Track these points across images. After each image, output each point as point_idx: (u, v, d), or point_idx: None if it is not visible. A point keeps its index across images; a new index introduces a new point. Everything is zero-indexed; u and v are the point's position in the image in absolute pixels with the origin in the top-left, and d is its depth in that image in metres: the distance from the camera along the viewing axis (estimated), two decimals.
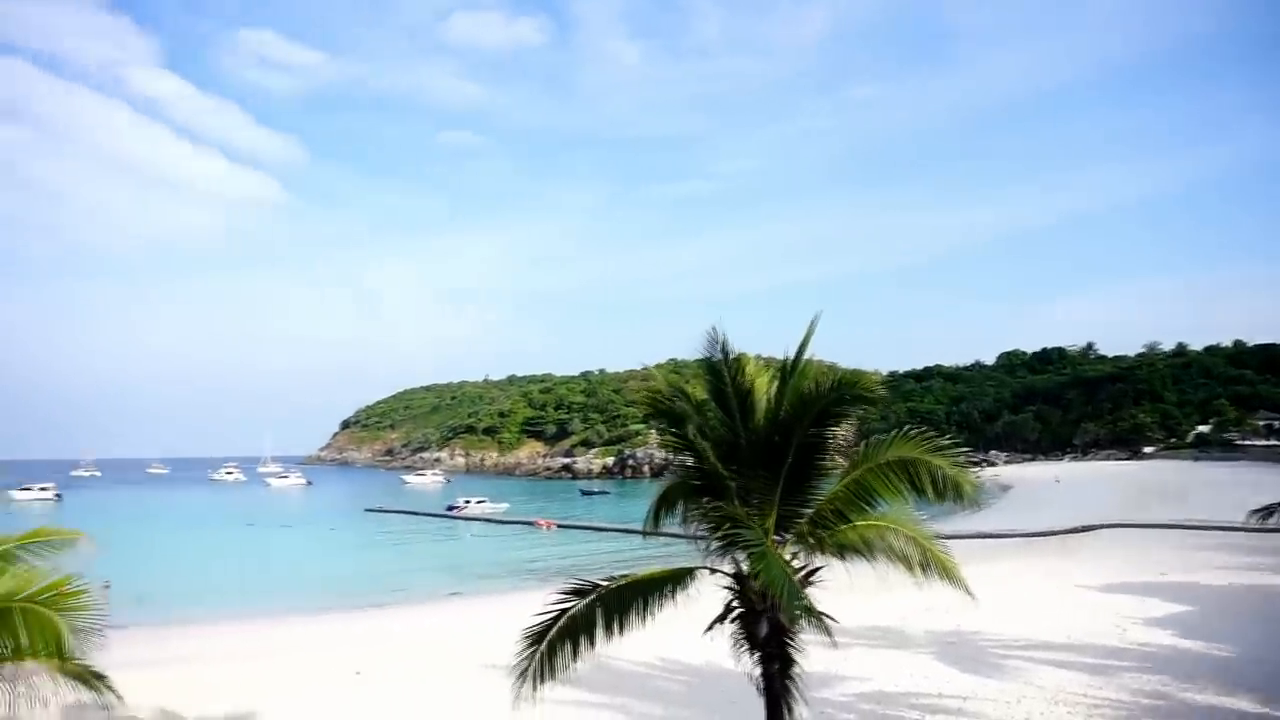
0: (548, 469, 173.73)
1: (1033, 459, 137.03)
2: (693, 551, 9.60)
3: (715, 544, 9.24)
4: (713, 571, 9.59)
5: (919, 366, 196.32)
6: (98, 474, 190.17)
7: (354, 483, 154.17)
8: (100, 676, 8.72)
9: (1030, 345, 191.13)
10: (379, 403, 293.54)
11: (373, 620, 30.25)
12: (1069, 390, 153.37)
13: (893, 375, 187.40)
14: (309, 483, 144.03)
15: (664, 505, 10.22)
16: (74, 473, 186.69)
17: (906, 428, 9.67)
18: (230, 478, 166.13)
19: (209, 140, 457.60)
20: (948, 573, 9.28)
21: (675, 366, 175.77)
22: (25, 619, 8.14)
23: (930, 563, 9.30)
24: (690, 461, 9.78)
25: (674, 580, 9.46)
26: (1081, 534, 47.71)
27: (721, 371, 9.60)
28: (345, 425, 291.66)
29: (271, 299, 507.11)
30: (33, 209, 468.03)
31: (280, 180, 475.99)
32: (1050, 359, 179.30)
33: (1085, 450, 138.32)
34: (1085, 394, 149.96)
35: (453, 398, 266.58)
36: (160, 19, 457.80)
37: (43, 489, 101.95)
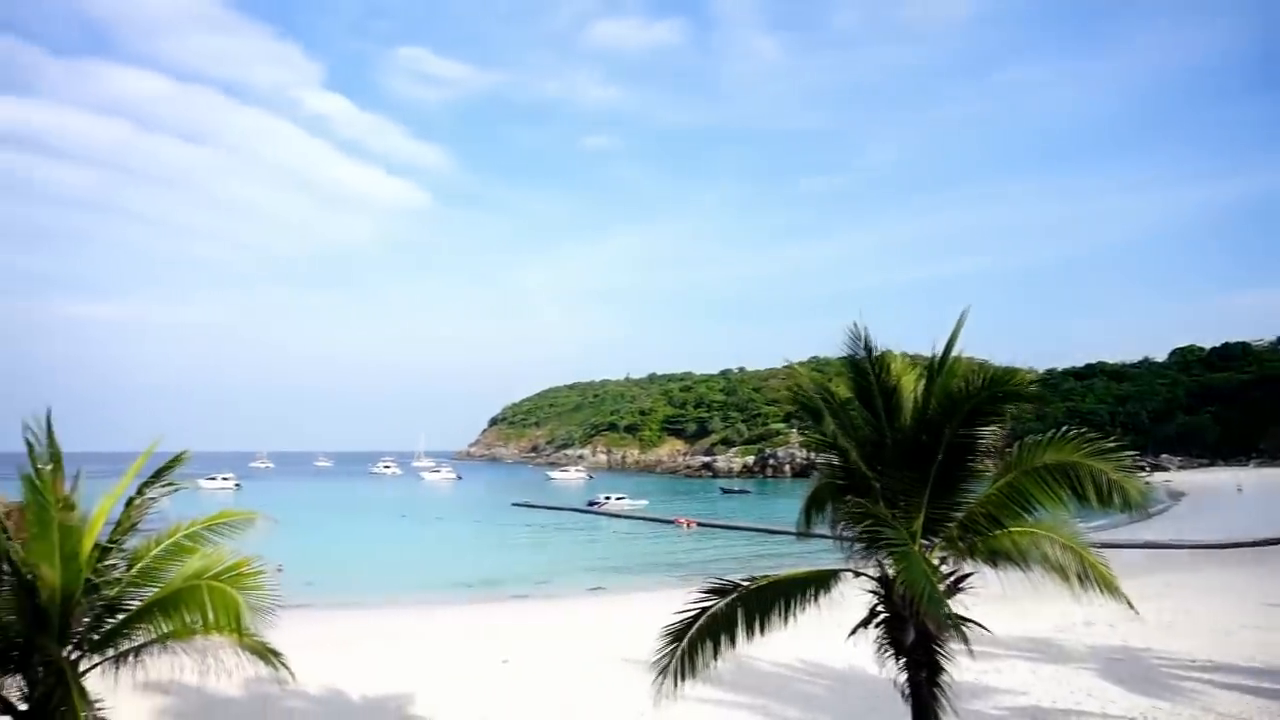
0: (688, 467, 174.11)
1: (1210, 464, 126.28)
2: (836, 554, 9.41)
3: (859, 545, 9.05)
4: (857, 574, 9.40)
5: (1080, 364, 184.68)
6: (271, 466, 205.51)
7: (501, 478, 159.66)
8: (275, 653, 9.40)
9: (1207, 340, 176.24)
10: (524, 401, 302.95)
11: (518, 611, 31.26)
12: (1254, 389, 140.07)
13: (1050, 373, 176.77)
14: (459, 477, 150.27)
15: (814, 505, 10.08)
16: (251, 464, 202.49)
17: (1065, 429, 9.10)
18: (388, 471, 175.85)
19: (368, 154, 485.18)
20: (1107, 585, 8.67)
21: (817, 364, 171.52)
22: (211, 596, 8.87)
23: (1088, 574, 8.72)
24: (834, 461, 9.61)
25: (817, 582, 9.30)
26: (1272, 547, 43.56)
27: (865, 369, 9.36)
28: (493, 422, 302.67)
29: (424, 302, 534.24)
30: (223, 222, 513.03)
31: (430, 189, 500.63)
32: (1232, 355, 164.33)
33: (1275, 455, 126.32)
34: (1273, 393, 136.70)
35: (595, 396, 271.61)
36: (326, 43, 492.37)
37: (225, 478, 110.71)
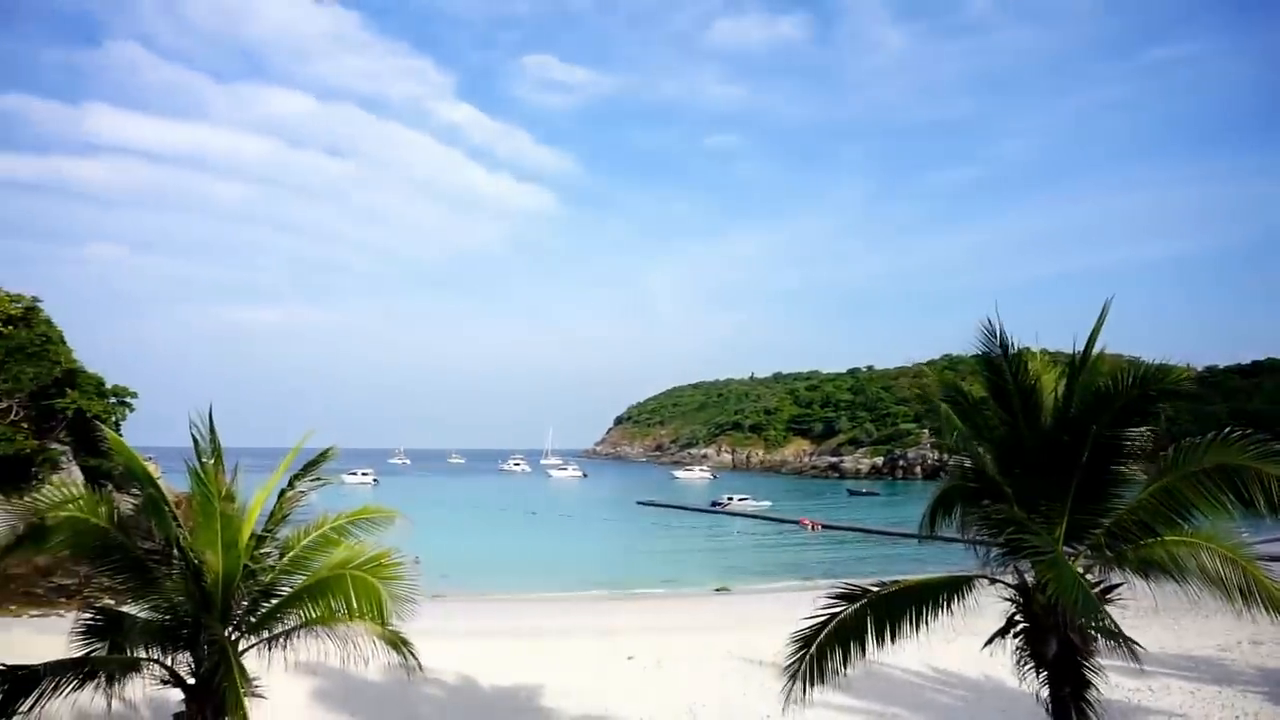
0: (814, 468, 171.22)
1: None
2: (970, 559, 9.09)
3: (996, 551, 8.70)
4: (992, 581, 9.06)
5: (1246, 361, 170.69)
6: (408, 462, 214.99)
7: (626, 476, 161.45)
8: (406, 643, 9.84)
9: None
10: (650, 400, 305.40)
11: (643, 609, 31.57)
12: None
13: (1210, 370, 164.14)
14: (585, 475, 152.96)
15: (941, 508, 9.77)
16: (390, 460, 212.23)
17: (1228, 430, 8.45)
18: (517, 469, 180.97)
19: (498, 160, 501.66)
20: (1274, 603, 7.93)
21: (949, 362, 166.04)
22: (355, 585, 9.37)
23: (1253, 589, 8.00)
24: (967, 463, 9.28)
25: (950, 588, 9.00)
26: None
27: (1000, 367, 8.98)
28: (619, 421, 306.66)
29: (552, 302, 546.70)
30: (366, 230, 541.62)
31: (556, 192, 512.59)
32: None
33: None
34: None
35: (720, 395, 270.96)
36: (456, 56, 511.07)
37: (365, 474, 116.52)
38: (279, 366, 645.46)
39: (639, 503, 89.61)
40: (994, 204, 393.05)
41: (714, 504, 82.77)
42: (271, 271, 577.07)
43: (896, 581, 9.35)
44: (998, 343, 8.99)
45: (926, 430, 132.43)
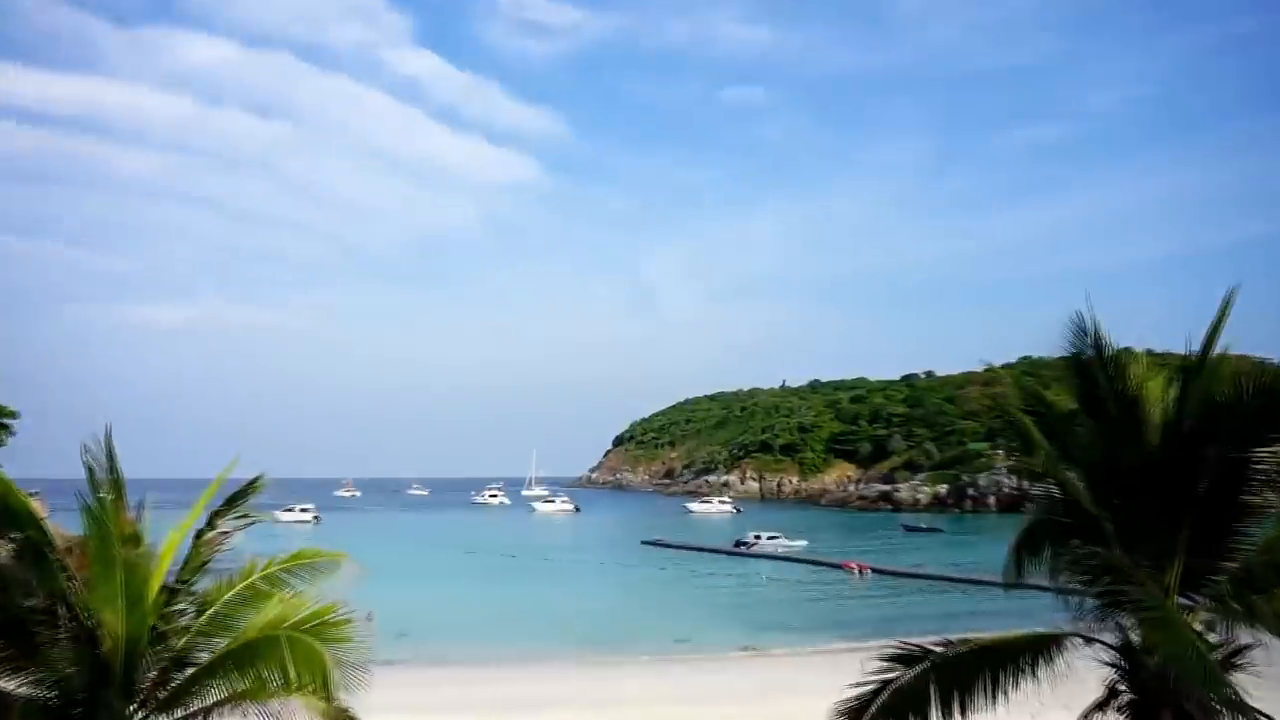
0: (861, 498, 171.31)
1: None
2: (1061, 612, 9.00)
3: (1093, 603, 8.63)
4: (1088, 640, 9.00)
5: None
6: (357, 494, 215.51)
7: (628, 509, 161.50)
8: None
9: None
10: (656, 416, 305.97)
11: (651, 676, 31.45)
12: None
13: None
14: (577, 509, 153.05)
15: (1028, 549, 9.72)
16: (336, 493, 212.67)
17: None
18: (494, 501, 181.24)
19: (467, 121, 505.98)
20: None
21: (1029, 366, 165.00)
22: (293, 649, 9.24)
23: None
24: (1053, 492, 9.21)
25: (1035, 649, 8.96)
26: None
27: (1094, 372, 8.91)
28: (618, 442, 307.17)
29: (535, 297, 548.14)
30: (301, 209, 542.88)
31: (540, 159, 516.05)
32: None
33: None
34: None
35: (743, 409, 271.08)
36: None
37: (304, 510, 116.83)
38: (196, 378, 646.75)
39: (644, 543, 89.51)
40: (1083, 170, 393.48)
41: (738, 544, 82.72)
42: (186, 261, 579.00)
43: (966, 640, 9.30)
44: (1090, 341, 8.90)
45: (1001, 451, 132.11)
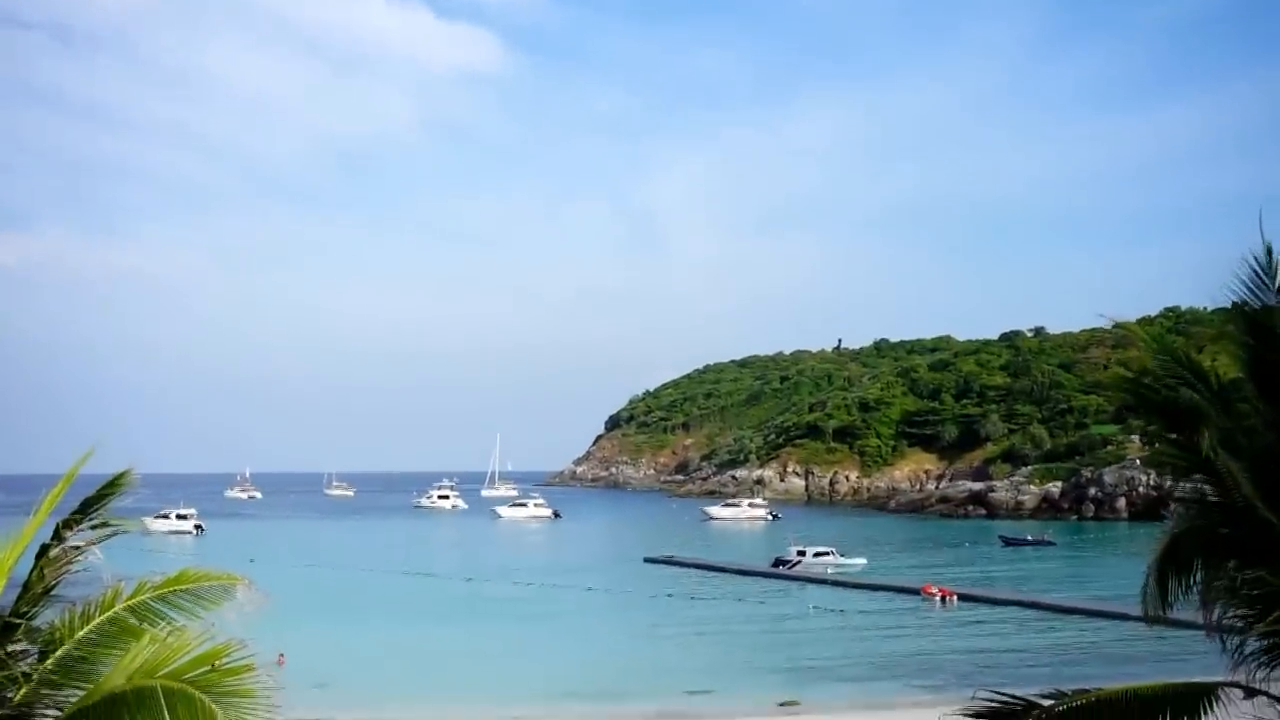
0: (943, 500, 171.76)
1: None
2: (1213, 654, 9.04)
3: (1256, 643, 8.67)
4: (1250, 693, 9.08)
5: None
6: (257, 495, 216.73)
7: (626, 515, 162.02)
8: None
9: None
10: (665, 389, 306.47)
11: None
12: None
13: None
14: (556, 514, 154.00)
15: (1174, 569, 9.74)
16: (228, 493, 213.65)
17: None
18: (444, 504, 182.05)
19: None
20: None
21: (1176, 320, 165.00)
22: (174, 705, 9.26)
23: None
24: (1207, 493, 9.20)
25: (1177, 704, 9.03)
26: None
27: (1271, 329, 8.86)
28: (613, 425, 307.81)
29: (494, 227, 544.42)
30: (182, 108, 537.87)
31: (503, 37, 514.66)
32: None
33: None
34: None
35: (783, 379, 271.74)
36: None
37: (182, 515, 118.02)
38: (36, 337, 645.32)
39: (648, 560, 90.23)
40: (1253, 51, 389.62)
41: (778, 562, 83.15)
42: (20, 176, 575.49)
43: (1085, 692, 9.34)
44: (1275, 287, 8.84)
45: (1136, 437, 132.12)
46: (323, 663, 40.91)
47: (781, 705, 37.81)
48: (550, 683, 41.95)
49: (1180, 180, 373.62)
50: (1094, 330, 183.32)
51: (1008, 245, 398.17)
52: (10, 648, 9.68)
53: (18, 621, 9.77)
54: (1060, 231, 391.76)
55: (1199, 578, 9.43)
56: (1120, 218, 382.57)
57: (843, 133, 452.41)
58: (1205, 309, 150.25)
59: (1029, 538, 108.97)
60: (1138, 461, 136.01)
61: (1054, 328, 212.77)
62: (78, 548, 10.18)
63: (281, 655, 33.91)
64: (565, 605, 68.02)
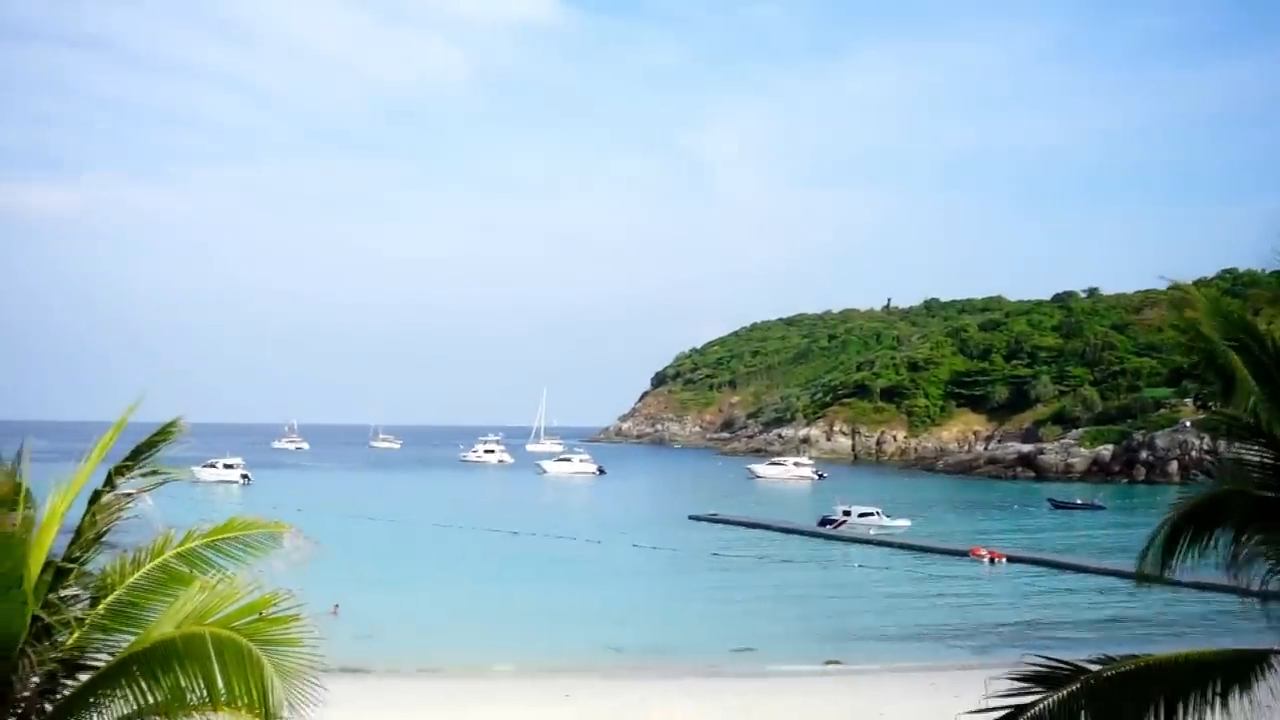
0: (992, 462, 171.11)
1: None
2: (1264, 622, 9.05)
3: None
4: None
5: None
6: (304, 446, 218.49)
7: (671, 471, 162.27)
8: None
9: None
10: (711, 346, 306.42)
11: (699, 694, 31.85)
12: None
13: None
14: (600, 470, 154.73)
15: (1192, 528, 9.71)
16: (275, 444, 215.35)
17: None
18: (490, 458, 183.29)
19: None
20: None
21: (1233, 282, 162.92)
22: (221, 652, 9.37)
23: None
24: (1259, 455, 9.18)
25: (1225, 671, 9.03)
26: None
27: None
28: (659, 381, 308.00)
29: (544, 181, 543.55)
30: (230, 57, 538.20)
31: None
32: None
33: None
34: None
35: (831, 338, 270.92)
36: None
37: (229, 465, 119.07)
38: (85, 285, 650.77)
39: (692, 518, 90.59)
40: None
41: (824, 521, 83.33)
42: (68, 126, 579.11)
43: (1134, 657, 9.37)
44: None
45: (1190, 400, 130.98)
46: (369, 614, 41.33)
47: (825, 665, 37.94)
48: (592, 636, 42.30)
49: (1240, 139, 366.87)
50: (1148, 291, 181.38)
51: (1065, 200, 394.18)
52: (63, 592, 9.83)
53: (70, 566, 9.87)
54: (1119, 188, 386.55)
55: (1238, 544, 9.38)
56: (1181, 175, 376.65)
57: (901, 86, 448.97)
58: (1263, 271, 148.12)
59: (1078, 501, 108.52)
60: (1190, 425, 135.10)
61: (1108, 288, 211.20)
62: (129, 495, 10.29)
63: (335, 606, 34.49)
64: (609, 561, 68.47)
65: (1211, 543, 9.53)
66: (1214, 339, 9.59)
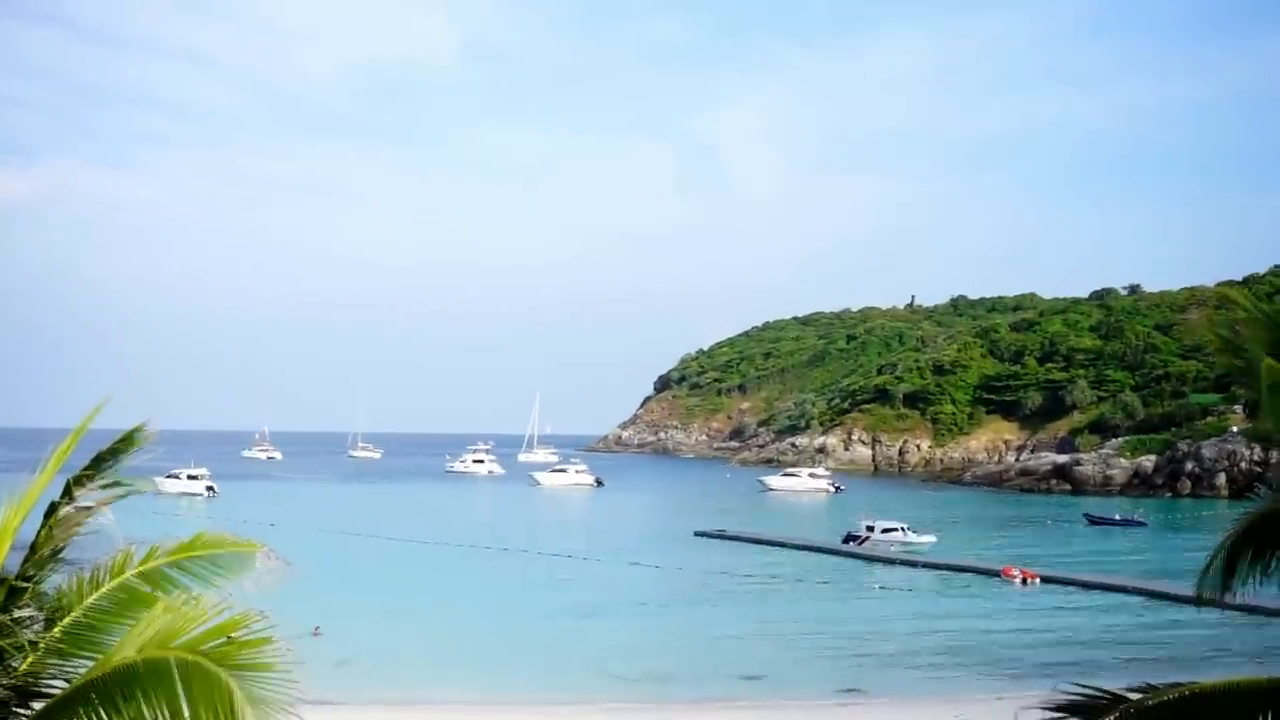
0: (1024, 474, 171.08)
1: None
2: None
3: None
4: None
5: None
6: (276, 455, 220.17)
7: (675, 483, 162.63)
8: None
9: None
10: (719, 347, 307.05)
11: None
12: None
13: None
14: (599, 481, 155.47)
15: (1250, 548, 9.61)
16: (246, 452, 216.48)
17: None
18: (479, 468, 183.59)
19: None
20: None
21: None
22: (187, 679, 9.28)
23: None
24: None
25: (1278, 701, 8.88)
26: None
27: None
28: (663, 386, 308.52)
29: (538, 166, 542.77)
30: (197, 31, 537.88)
31: None
32: None
33: None
34: None
35: (849, 338, 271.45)
36: None
37: (194, 476, 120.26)
38: (43, 280, 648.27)
39: (699, 534, 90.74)
40: None
41: (849, 538, 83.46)
42: (25, 107, 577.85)
43: (1179, 686, 9.24)
44: None
45: (1240, 407, 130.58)
46: (345, 639, 41.18)
47: (842, 694, 37.80)
48: (590, 664, 42.22)
49: None
50: (1194, 289, 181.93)
51: (1104, 189, 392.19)
52: (16, 613, 9.69)
53: (24, 585, 9.73)
54: (1162, 175, 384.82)
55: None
56: (1231, 161, 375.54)
57: (921, 63, 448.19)
58: None
59: (1118, 516, 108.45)
60: (1239, 433, 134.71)
61: (1151, 285, 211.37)
62: (88, 508, 10.18)
63: (317, 627, 34.47)
64: (608, 581, 68.41)
65: (1274, 563, 9.44)
66: (1260, 342, 9.49)
